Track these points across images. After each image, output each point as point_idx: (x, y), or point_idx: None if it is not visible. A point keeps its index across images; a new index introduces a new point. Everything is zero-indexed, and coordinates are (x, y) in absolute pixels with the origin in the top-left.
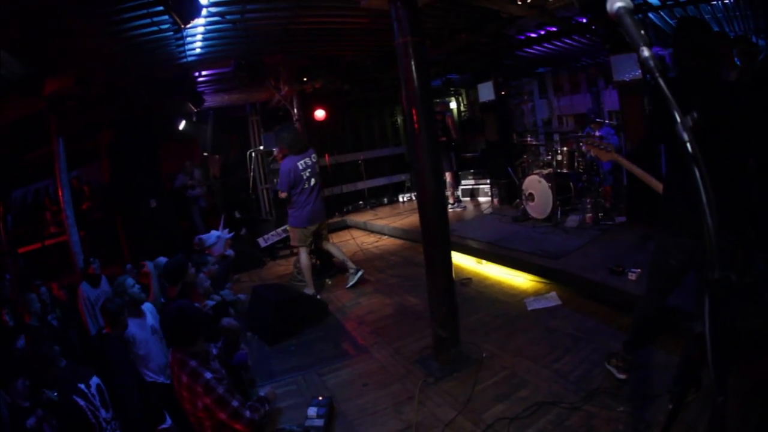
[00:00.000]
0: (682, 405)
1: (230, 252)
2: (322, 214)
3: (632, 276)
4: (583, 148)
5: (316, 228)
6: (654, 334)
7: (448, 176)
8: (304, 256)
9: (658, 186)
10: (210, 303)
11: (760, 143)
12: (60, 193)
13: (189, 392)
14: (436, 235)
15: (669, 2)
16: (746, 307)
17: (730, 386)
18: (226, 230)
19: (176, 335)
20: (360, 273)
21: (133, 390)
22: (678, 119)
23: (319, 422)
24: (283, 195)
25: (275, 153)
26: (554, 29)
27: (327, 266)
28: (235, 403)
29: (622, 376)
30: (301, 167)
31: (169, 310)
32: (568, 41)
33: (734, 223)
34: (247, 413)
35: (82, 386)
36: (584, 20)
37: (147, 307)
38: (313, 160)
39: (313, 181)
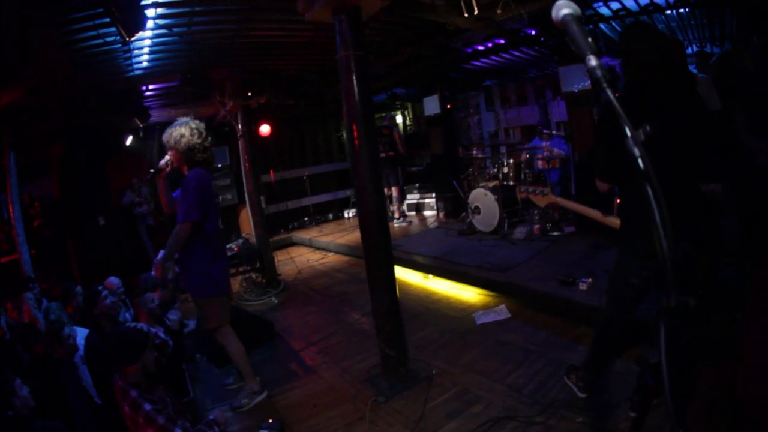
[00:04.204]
0: (646, 412)
1: (177, 269)
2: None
3: (583, 286)
4: (520, 196)
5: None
6: (616, 353)
7: (394, 191)
8: (235, 340)
9: (601, 218)
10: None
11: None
12: (11, 209)
13: (132, 423)
14: (379, 252)
15: (621, 12)
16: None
17: (696, 391)
18: None
19: (114, 360)
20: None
21: (87, 416)
22: (628, 134)
23: None
24: (185, 228)
25: (163, 162)
26: (502, 41)
27: (272, 284)
28: (177, 431)
29: (582, 395)
30: (213, 190)
31: (112, 331)
32: (516, 53)
33: (698, 233)
34: None
35: None
36: (533, 32)
37: (80, 332)
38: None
39: (221, 221)
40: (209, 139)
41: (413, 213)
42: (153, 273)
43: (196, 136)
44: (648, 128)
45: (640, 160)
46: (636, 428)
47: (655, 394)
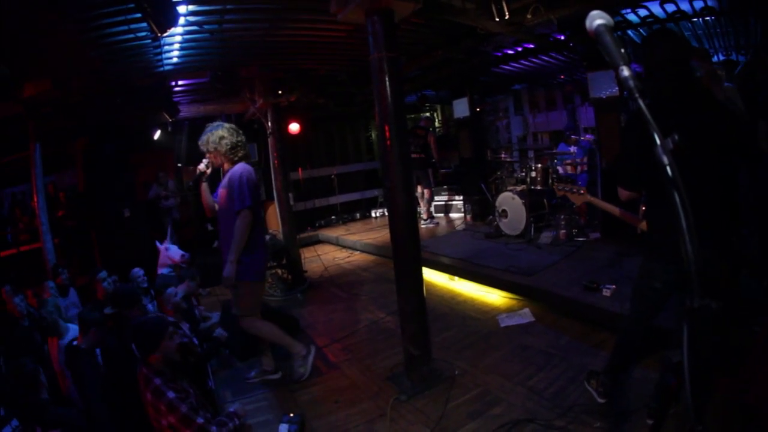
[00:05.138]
0: (664, 420)
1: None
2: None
3: (607, 292)
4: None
5: None
6: (636, 359)
7: (426, 193)
8: (263, 323)
9: (637, 221)
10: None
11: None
12: (35, 199)
13: (154, 410)
14: (407, 252)
15: (648, 20)
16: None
17: (710, 399)
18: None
19: (136, 350)
20: (313, 352)
21: (104, 405)
22: (658, 142)
23: None
24: (246, 215)
25: (203, 165)
26: (531, 46)
27: (298, 280)
28: (200, 420)
29: (601, 401)
30: (256, 180)
31: (134, 322)
32: (545, 58)
33: (720, 242)
34: (214, 429)
35: None
36: (562, 37)
37: (72, 328)
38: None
39: (262, 210)
40: (243, 135)
41: (440, 214)
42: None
43: (234, 135)
44: (676, 137)
45: (668, 168)
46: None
47: (675, 393)
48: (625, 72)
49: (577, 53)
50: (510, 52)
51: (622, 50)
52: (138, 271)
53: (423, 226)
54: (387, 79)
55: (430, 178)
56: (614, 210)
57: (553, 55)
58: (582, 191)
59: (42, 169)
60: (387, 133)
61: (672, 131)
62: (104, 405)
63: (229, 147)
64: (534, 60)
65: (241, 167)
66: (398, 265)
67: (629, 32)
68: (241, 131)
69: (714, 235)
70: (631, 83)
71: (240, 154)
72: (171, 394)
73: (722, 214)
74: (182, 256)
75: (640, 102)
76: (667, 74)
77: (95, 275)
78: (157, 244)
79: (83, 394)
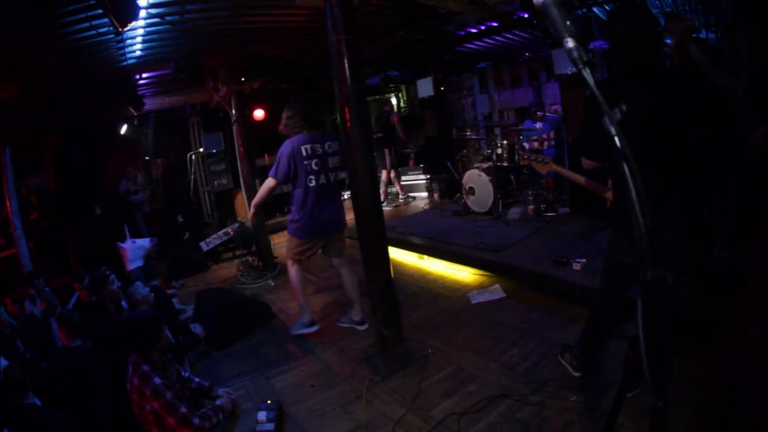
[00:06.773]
0: (625, 390)
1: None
2: (334, 223)
3: (577, 266)
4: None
5: (323, 242)
6: (610, 332)
7: (384, 174)
8: (294, 271)
9: (603, 190)
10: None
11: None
12: (8, 204)
13: (138, 395)
14: (372, 233)
15: None
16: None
17: (685, 371)
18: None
19: (132, 344)
20: (313, 329)
21: (105, 401)
22: (605, 112)
23: (270, 426)
24: (271, 185)
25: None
26: (495, 24)
27: (269, 267)
28: (183, 409)
29: (576, 374)
30: (305, 153)
31: (125, 319)
32: (509, 36)
33: (691, 213)
34: (196, 420)
35: None
36: (526, 15)
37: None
38: (332, 149)
39: (323, 177)
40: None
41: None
42: None
43: (289, 109)
44: (624, 107)
45: (616, 138)
46: (618, 402)
47: (635, 367)
48: (570, 43)
49: (541, 31)
50: (473, 30)
51: (568, 22)
52: (105, 271)
53: (385, 207)
54: (346, 61)
55: (387, 158)
56: (580, 179)
57: (518, 32)
58: (547, 160)
59: (13, 173)
60: (347, 116)
61: (624, 102)
62: (107, 400)
63: (292, 126)
64: (498, 38)
65: (286, 144)
66: (364, 246)
67: (595, 9)
68: (298, 105)
69: (682, 209)
70: (575, 54)
71: (295, 130)
72: (157, 380)
73: (691, 187)
74: (150, 240)
75: (585, 73)
76: (629, 49)
77: (77, 280)
78: (120, 245)
79: (83, 393)
